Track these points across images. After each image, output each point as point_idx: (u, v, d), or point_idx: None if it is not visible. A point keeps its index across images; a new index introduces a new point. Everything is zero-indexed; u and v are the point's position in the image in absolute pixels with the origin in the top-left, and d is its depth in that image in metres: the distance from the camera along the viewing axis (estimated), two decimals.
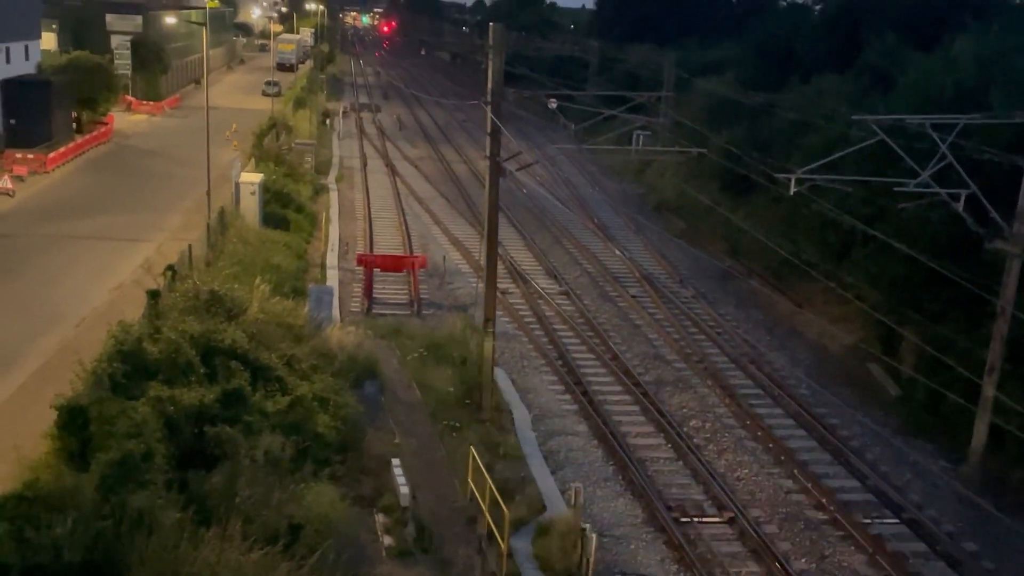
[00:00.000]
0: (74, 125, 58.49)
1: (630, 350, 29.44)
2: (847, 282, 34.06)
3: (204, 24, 40.73)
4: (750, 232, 42.26)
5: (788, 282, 36.66)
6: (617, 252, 40.47)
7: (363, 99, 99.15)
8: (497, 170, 23.04)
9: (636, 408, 25.15)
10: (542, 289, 34.49)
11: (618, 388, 26.37)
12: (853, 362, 29.54)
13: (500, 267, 27.80)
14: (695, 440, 23.40)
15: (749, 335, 31.53)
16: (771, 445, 23.37)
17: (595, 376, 26.98)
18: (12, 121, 53.31)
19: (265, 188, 38.66)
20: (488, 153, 23.04)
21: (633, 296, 34.74)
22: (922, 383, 24.54)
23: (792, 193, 24.43)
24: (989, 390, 22.06)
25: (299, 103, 77.37)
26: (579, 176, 58.31)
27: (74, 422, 15.74)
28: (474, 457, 18.79)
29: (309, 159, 52.89)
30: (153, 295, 21.72)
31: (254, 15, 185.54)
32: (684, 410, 25.31)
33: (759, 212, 42.70)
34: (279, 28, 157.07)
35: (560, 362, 27.81)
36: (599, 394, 25.57)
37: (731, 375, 27.87)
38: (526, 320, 31.34)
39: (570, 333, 30.46)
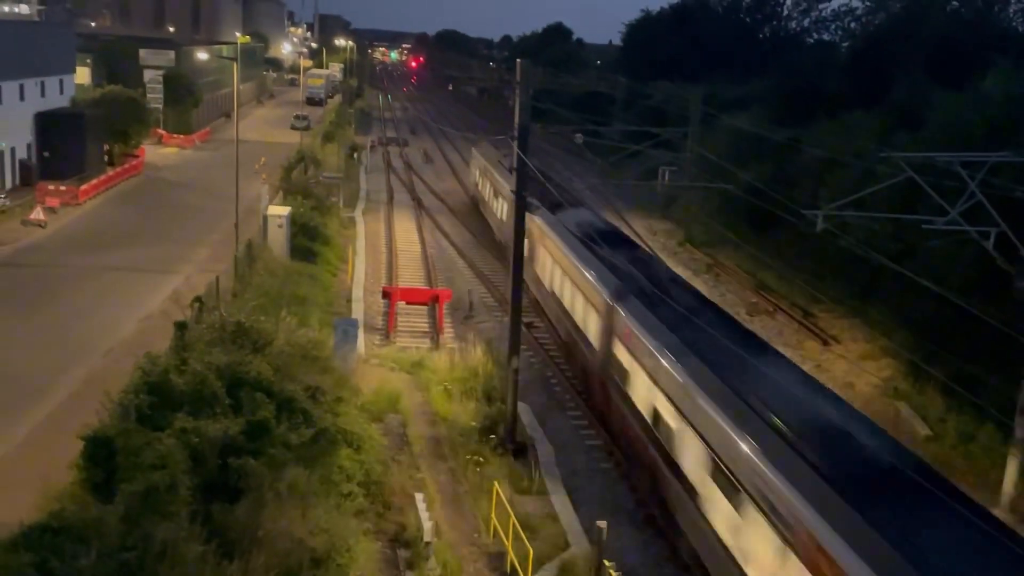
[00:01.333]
0: (106, 158, 59.41)
1: None
2: (875, 319, 33.79)
3: (235, 59, 41.32)
4: (776, 268, 42.09)
5: (815, 319, 36.41)
6: None
7: (391, 133, 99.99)
8: (523, 204, 23.11)
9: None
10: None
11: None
12: (881, 400, 29.19)
13: (525, 301, 27.76)
14: None
15: None
16: None
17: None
18: (46, 153, 54.23)
19: (293, 221, 38.98)
20: (514, 188, 23.13)
21: None
22: (952, 423, 24.21)
23: (819, 230, 24.31)
24: (1021, 430, 21.72)
25: (327, 137, 78.21)
26: (605, 211, 58.25)
27: (100, 453, 15.80)
28: (497, 492, 18.67)
29: (336, 192, 53.31)
30: (180, 327, 21.86)
31: (284, 50, 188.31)
32: None
33: (785, 248, 42.54)
34: (309, 63, 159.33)
35: (584, 397, 27.66)
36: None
37: None
38: (551, 354, 31.25)
39: None
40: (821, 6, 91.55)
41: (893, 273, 29.25)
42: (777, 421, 15.02)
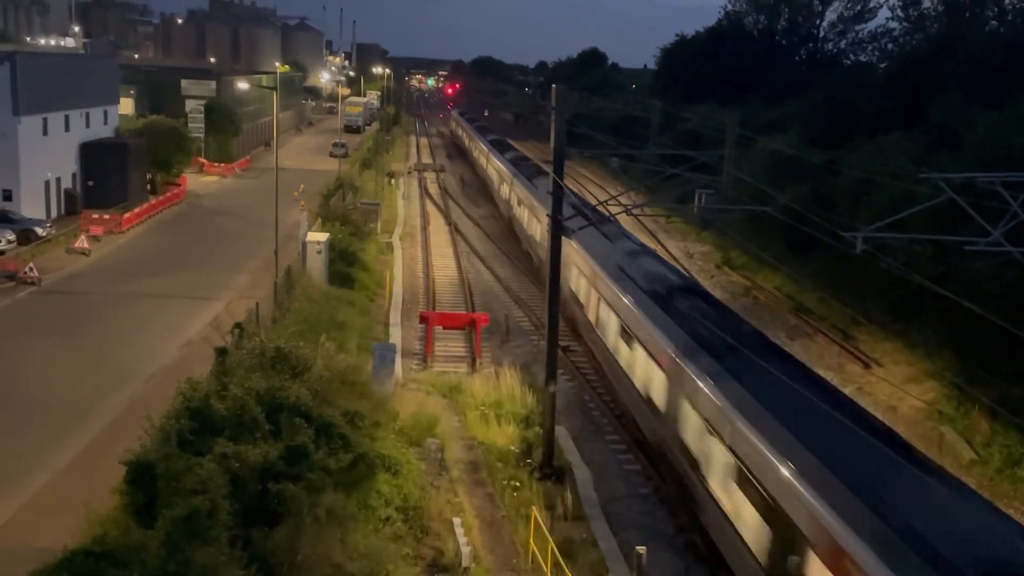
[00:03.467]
0: (148, 186, 60.35)
1: None
2: (917, 342, 33.32)
3: (275, 88, 41.87)
4: (816, 290, 41.69)
5: (856, 341, 35.98)
6: None
7: (427, 159, 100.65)
8: (560, 228, 23.13)
9: None
10: None
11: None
12: (925, 424, 28.73)
13: (562, 325, 27.70)
14: None
15: None
16: None
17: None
18: (90, 183, 55.23)
19: (331, 247, 39.29)
20: (550, 212, 23.16)
21: None
22: (998, 446, 23.76)
23: (859, 252, 24.05)
24: None
25: (365, 164, 78.86)
26: (641, 234, 58.17)
27: (142, 478, 15.94)
28: (535, 517, 18.57)
29: (374, 218, 53.70)
30: (221, 352, 22.06)
31: (323, 79, 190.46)
32: None
33: (824, 270, 42.15)
34: (347, 91, 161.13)
35: (622, 421, 27.49)
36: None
37: None
38: (588, 378, 31.13)
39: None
40: (858, 27, 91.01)
41: (935, 295, 28.86)
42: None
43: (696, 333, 21.26)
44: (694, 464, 19.29)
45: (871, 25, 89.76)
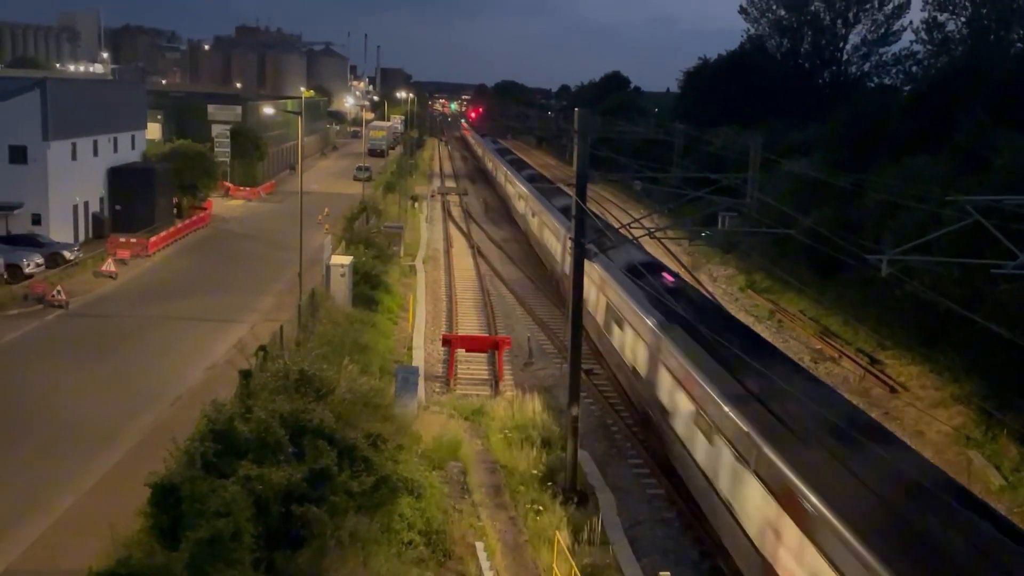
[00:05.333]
0: (175, 210, 60.91)
1: None
2: (944, 365, 33.00)
3: (300, 113, 42.23)
4: (841, 314, 41.41)
5: (882, 365, 35.67)
6: None
7: (450, 183, 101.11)
8: (582, 252, 23.14)
9: None
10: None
11: None
12: (953, 449, 28.39)
13: (584, 348, 27.66)
14: None
15: None
16: None
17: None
18: (117, 207, 55.84)
19: (355, 270, 39.47)
20: (572, 235, 23.19)
21: None
22: None
23: (884, 275, 23.90)
24: None
25: (389, 187, 79.29)
26: (664, 258, 58.10)
27: (166, 500, 16.01)
28: (558, 541, 18.47)
29: (398, 241, 53.94)
30: (245, 375, 22.16)
31: (347, 103, 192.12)
32: None
33: (849, 294, 41.89)
34: (371, 116, 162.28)
35: (646, 445, 27.35)
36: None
37: None
38: (611, 401, 31.03)
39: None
40: (882, 50, 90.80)
41: (962, 318, 28.61)
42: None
43: (669, 312, 25.61)
44: (665, 412, 24.07)
45: (895, 48, 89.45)
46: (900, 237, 30.51)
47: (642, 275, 28.51)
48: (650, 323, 25.96)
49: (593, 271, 32.67)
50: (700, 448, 20.79)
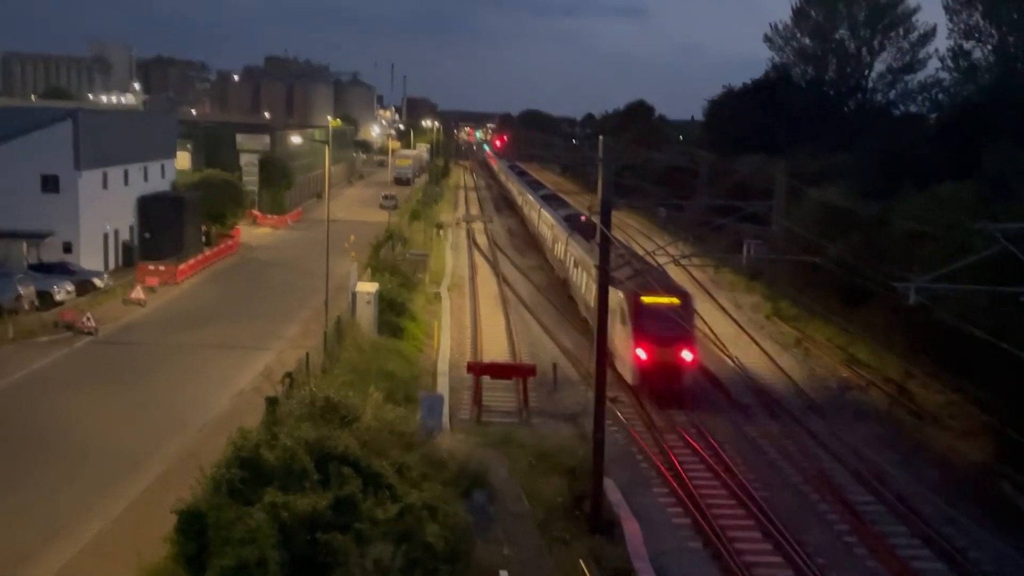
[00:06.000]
0: (203, 238, 61.48)
1: (744, 462, 28.58)
2: (974, 395, 32.59)
3: (327, 142, 42.66)
4: (868, 342, 41.03)
5: (909, 394, 35.28)
6: (729, 362, 39.73)
7: (475, 210, 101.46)
8: (606, 279, 23.13)
9: (751, 523, 24.28)
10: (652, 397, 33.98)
11: (732, 502, 25.55)
12: (983, 480, 27.97)
13: (609, 376, 27.58)
14: (817, 560, 22.35)
15: (869, 449, 30.25)
16: (895, 566, 22.15)
17: (708, 489, 26.23)
18: (147, 235, 56.44)
19: (380, 297, 39.63)
20: (597, 262, 23.19)
21: (746, 406, 33.90)
22: None
23: (912, 303, 23.68)
24: None
25: (414, 215, 79.68)
26: (689, 285, 57.90)
27: (192, 527, 16.07)
28: (584, 570, 18.33)
29: (423, 269, 54.14)
30: (271, 402, 22.27)
31: (374, 132, 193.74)
32: (802, 526, 24.29)
33: (876, 322, 41.50)
34: (397, 144, 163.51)
35: (672, 474, 27.18)
36: (712, 508, 24.80)
37: (851, 490, 26.71)
38: (636, 429, 30.87)
39: (680, 444, 29.83)
40: (907, 78, 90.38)
41: (991, 347, 28.25)
42: None
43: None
44: (567, 270, 49.18)
45: (921, 75, 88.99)
46: (928, 265, 30.25)
47: (572, 219, 56.47)
48: (567, 235, 52.34)
49: (546, 222, 64.95)
50: (573, 274, 46.65)
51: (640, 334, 33.35)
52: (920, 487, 26.87)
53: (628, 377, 34.36)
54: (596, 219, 22.89)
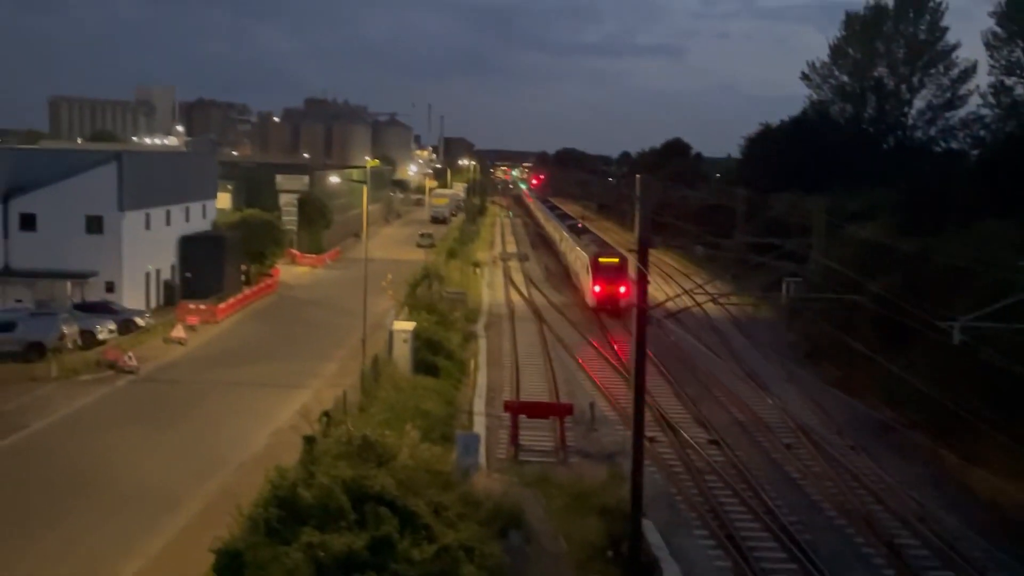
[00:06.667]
0: (243, 277, 62.19)
1: (786, 504, 28.11)
2: (1021, 435, 31.88)
3: (365, 182, 43.11)
4: (910, 382, 40.35)
5: (955, 435, 34.57)
6: (769, 401, 39.30)
7: (512, 248, 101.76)
8: (644, 318, 23.02)
9: (795, 567, 23.82)
10: (691, 438, 33.67)
11: (774, 544, 25.11)
12: None
13: (648, 415, 27.35)
14: None
15: (914, 491, 29.66)
16: None
17: (749, 531, 25.82)
18: (188, 274, 57.19)
19: (417, 336, 39.74)
20: (635, 301, 23.09)
21: (787, 446, 33.46)
22: None
23: (956, 342, 23.31)
24: None
25: (451, 254, 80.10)
26: (727, 323, 57.54)
27: (230, 566, 16.09)
28: None
29: (460, 307, 54.25)
30: (308, 441, 22.34)
31: (411, 172, 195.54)
32: (846, 569, 23.80)
33: (919, 361, 40.84)
34: (434, 183, 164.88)
35: (711, 515, 26.80)
36: (754, 551, 24.39)
37: (897, 533, 26.16)
38: (675, 470, 30.54)
39: (720, 484, 29.44)
40: (948, 115, 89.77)
41: None
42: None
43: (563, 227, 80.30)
44: (563, 252, 77.35)
45: (962, 112, 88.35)
46: (971, 304, 29.79)
47: (566, 218, 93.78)
48: (561, 227, 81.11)
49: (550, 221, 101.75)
50: (565, 251, 73.14)
51: (597, 277, 58.20)
52: (968, 530, 26.27)
53: (589, 302, 59.09)
54: (632, 257, 22.84)
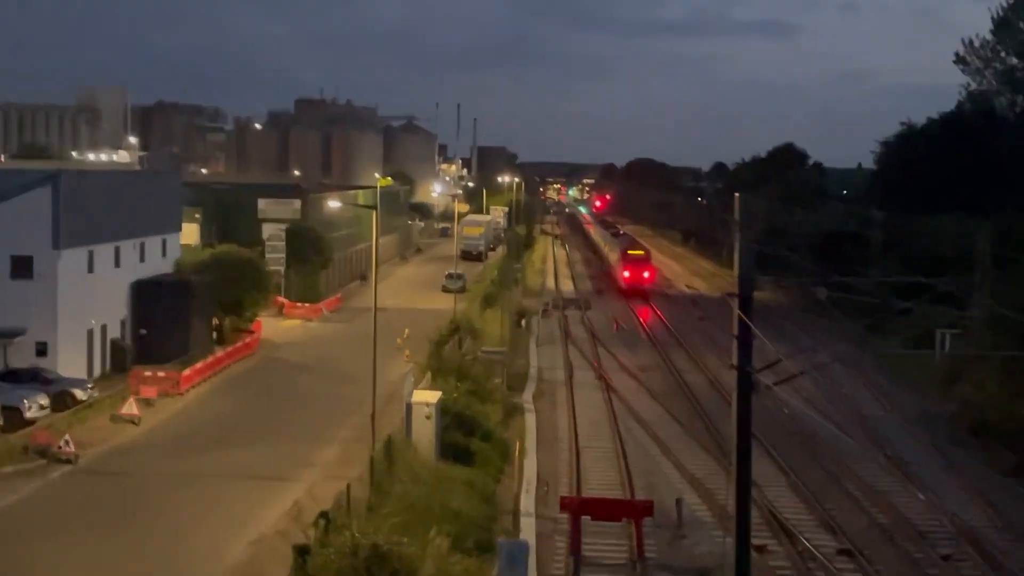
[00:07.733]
0: (214, 334, 62.74)
1: None
2: None
3: (374, 207, 43.43)
4: None
5: None
6: (920, 496, 38.75)
7: (568, 293, 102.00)
8: (748, 384, 22.87)
9: None
10: (815, 547, 33.28)
11: None
12: None
13: (755, 515, 27.07)
14: None
15: None
16: None
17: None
18: (143, 331, 57.67)
19: (444, 410, 39.79)
20: (734, 362, 22.97)
21: (945, 559, 32.94)
22: None
23: None
24: None
25: (488, 300, 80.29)
26: (862, 390, 56.95)
27: None
28: None
29: (500, 371, 54.28)
30: (302, 552, 22.39)
31: (434, 192, 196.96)
32: None
33: None
34: (465, 207, 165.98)
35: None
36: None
37: None
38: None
39: None
40: None
41: None
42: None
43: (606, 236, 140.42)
44: (600, 249, 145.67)
45: None
46: None
47: (608, 226, 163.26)
48: (604, 235, 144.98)
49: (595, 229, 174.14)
50: (603, 246, 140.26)
51: (625, 265, 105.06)
52: None
53: (620, 284, 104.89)
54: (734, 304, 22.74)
